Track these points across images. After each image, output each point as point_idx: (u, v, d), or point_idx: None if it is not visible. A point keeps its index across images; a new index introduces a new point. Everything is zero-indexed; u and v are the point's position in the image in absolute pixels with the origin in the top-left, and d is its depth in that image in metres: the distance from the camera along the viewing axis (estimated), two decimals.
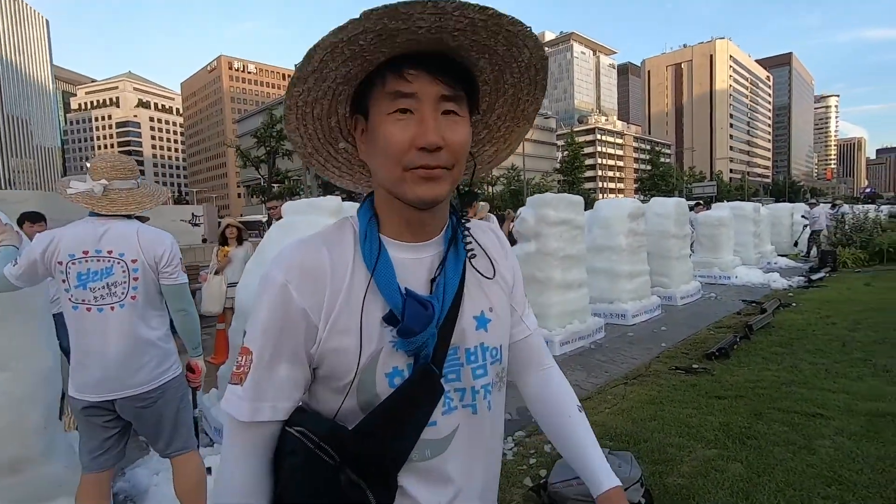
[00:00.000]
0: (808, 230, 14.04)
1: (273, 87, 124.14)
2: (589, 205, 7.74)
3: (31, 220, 4.05)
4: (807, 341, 5.44)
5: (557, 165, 68.96)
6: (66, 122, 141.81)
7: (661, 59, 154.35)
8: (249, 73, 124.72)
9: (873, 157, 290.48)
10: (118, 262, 2.01)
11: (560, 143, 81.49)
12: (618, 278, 6.77)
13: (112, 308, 2.00)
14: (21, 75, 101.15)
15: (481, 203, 7.05)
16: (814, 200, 18.23)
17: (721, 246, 10.74)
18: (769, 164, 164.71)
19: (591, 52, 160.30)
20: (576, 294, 5.76)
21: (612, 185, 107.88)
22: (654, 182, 74.82)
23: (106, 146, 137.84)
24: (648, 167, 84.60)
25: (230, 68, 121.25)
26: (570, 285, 5.67)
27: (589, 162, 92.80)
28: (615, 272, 6.79)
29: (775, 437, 3.08)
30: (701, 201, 16.63)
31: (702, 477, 2.69)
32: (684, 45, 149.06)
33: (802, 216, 14.99)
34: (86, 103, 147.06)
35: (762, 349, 5.23)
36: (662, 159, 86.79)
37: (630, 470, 2.41)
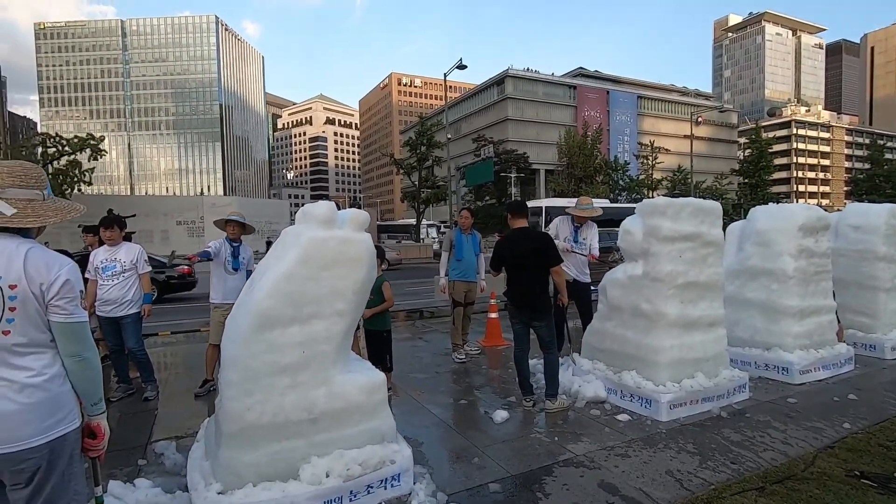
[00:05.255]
0: None
1: (436, 98, 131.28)
2: None
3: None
4: None
5: (736, 166, 59.25)
6: (273, 140, 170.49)
7: (889, 31, 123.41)
8: (416, 87, 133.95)
9: None
10: None
11: (742, 140, 69.88)
12: (779, 316, 4.83)
13: None
14: (243, 102, 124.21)
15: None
16: None
17: None
18: None
19: (790, 33, 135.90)
20: (703, 336, 4.14)
21: (812, 189, 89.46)
22: (874, 184, 59.86)
23: (300, 158, 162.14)
24: (867, 166, 68.12)
25: (399, 84, 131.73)
26: (694, 324, 4.08)
27: (781, 161, 78.10)
28: (775, 307, 4.86)
29: None
30: None
31: None
32: None
33: None
34: (288, 123, 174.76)
35: None
36: (888, 156, 68.96)
37: None
